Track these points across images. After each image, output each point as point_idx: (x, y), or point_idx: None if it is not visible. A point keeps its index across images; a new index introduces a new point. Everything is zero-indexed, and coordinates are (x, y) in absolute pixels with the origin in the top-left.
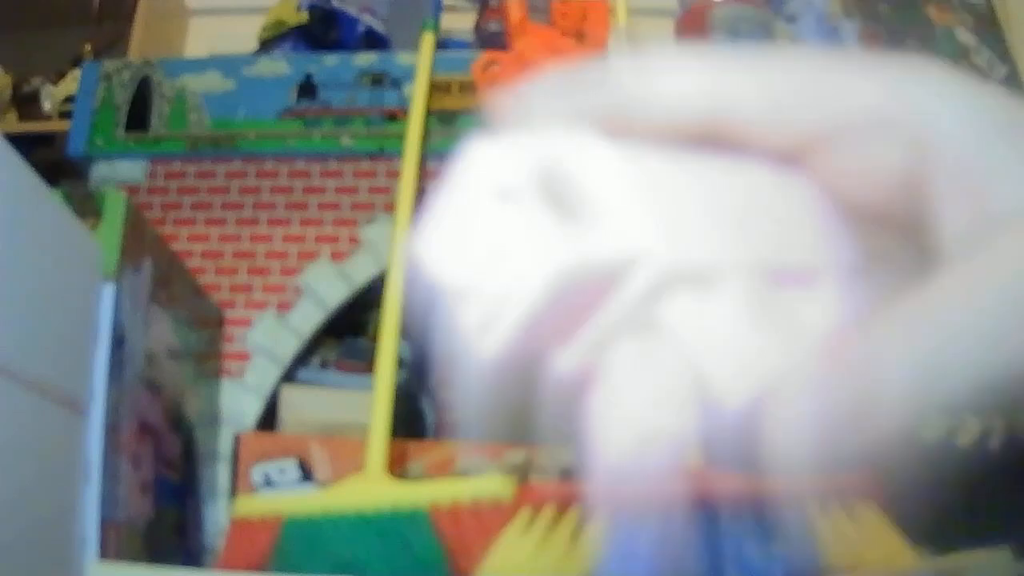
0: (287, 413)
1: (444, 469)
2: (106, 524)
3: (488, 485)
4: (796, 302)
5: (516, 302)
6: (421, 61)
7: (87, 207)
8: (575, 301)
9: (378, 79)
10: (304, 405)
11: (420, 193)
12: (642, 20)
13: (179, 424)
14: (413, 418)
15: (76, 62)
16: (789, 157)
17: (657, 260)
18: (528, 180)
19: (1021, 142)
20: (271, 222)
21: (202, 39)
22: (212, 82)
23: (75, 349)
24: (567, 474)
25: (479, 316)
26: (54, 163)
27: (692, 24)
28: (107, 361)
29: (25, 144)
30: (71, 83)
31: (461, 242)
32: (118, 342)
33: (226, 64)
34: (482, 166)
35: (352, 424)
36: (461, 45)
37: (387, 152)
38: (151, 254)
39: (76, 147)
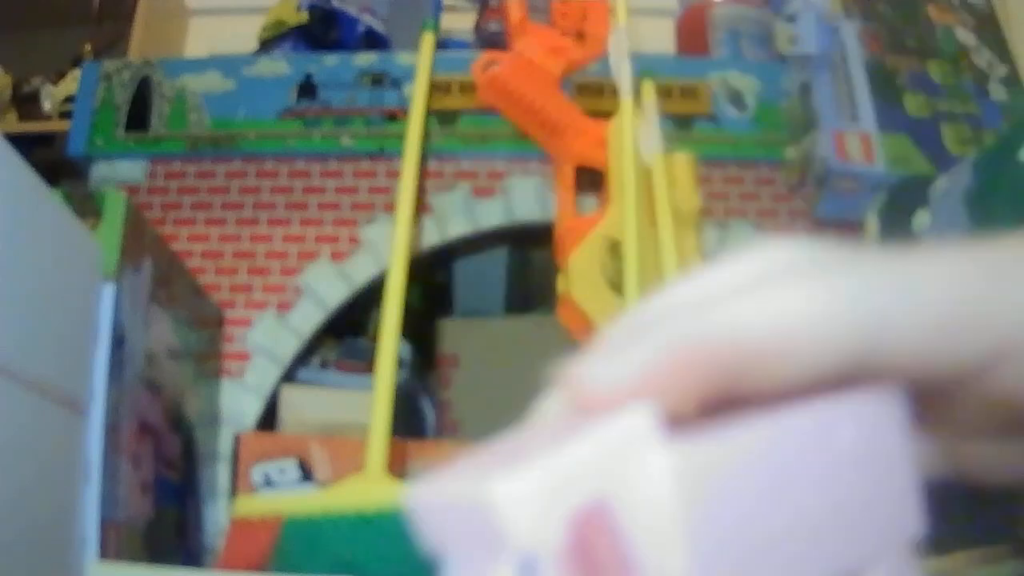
0: (287, 413)
1: None
2: (106, 524)
3: None
4: None
5: None
6: (421, 61)
7: (87, 207)
8: None
9: (378, 79)
10: (304, 405)
11: (420, 193)
12: (642, 20)
13: (179, 424)
14: (413, 418)
15: (76, 62)
16: (942, 387)
17: None
18: (559, 542)
19: None
20: (271, 222)
21: (202, 39)
22: (212, 82)
23: (75, 349)
24: None
25: None
26: (54, 163)
27: (692, 24)
28: (107, 361)
29: (25, 144)
30: (71, 83)
31: None
32: (118, 342)
33: (226, 64)
34: (497, 517)
35: (352, 424)
36: (461, 45)
37: (387, 152)
38: (151, 254)
39: (76, 147)
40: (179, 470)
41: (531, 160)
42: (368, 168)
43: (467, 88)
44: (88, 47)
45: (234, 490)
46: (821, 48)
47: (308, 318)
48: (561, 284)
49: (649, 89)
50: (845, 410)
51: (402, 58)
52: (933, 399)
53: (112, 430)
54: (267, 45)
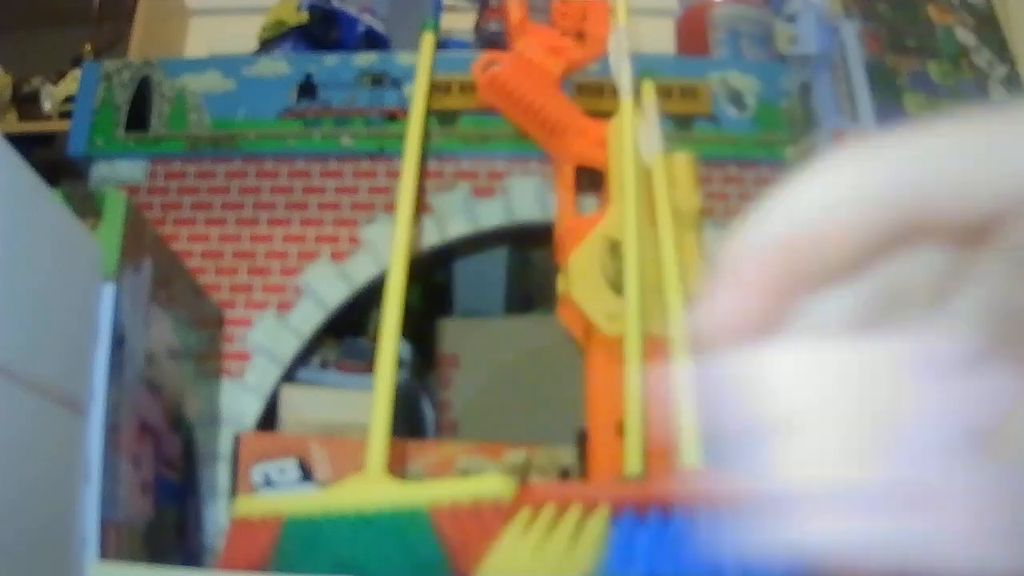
0: (287, 413)
1: (444, 469)
2: (106, 524)
3: (488, 485)
4: None
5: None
6: (421, 61)
7: (87, 207)
8: None
9: (378, 79)
10: (304, 405)
11: (420, 193)
12: (642, 20)
13: (179, 424)
14: (413, 418)
15: (76, 62)
16: (980, 232)
17: None
18: None
19: None
20: (271, 222)
21: (202, 39)
22: (212, 82)
23: (75, 349)
24: (567, 474)
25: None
26: (54, 163)
27: (692, 24)
28: (107, 361)
29: (25, 144)
30: (71, 83)
31: None
32: (118, 342)
33: (226, 64)
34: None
35: (352, 424)
36: (461, 45)
37: (387, 152)
38: (151, 254)
39: (76, 147)
40: (179, 470)
41: (531, 160)
42: (368, 168)
43: (467, 88)
44: (88, 47)
45: (234, 490)
46: (821, 48)
47: (308, 318)
48: (561, 284)
49: (649, 89)
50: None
51: (402, 58)
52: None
53: (112, 430)
54: (267, 45)
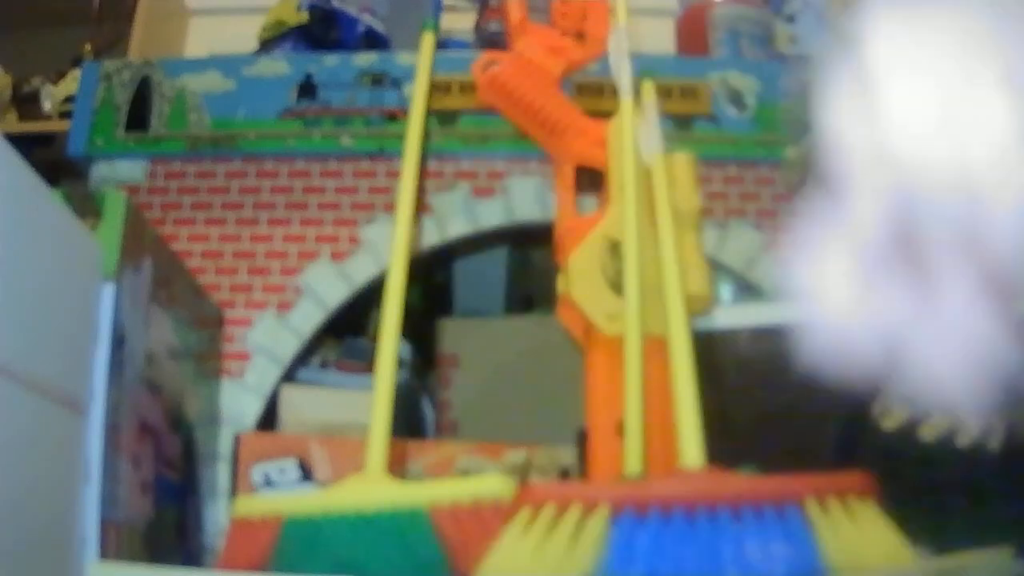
0: (287, 413)
1: (444, 469)
2: (106, 524)
3: (488, 485)
4: None
5: None
6: (421, 61)
7: (87, 207)
8: None
9: (378, 79)
10: (304, 405)
11: (420, 193)
12: (642, 20)
13: (179, 424)
14: (413, 418)
15: (76, 62)
16: None
17: None
18: None
19: None
20: (271, 222)
21: (202, 39)
22: (212, 82)
23: (75, 349)
24: (567, 474)
25: None
26: (54, 163)
27: (692, 24)
28: (107, 361)
29: (25, 144)
30: (71, 83)
31: None
32: (118, 342)
33: (226, 64)
34: None
35: (352, 424)
36: (461, 45)
37: (387, 152)
38: (151, 254)
39: (76, 147)
40: (179, 470)
41: (531, 160)
42: (368, 168)
43: (467, 88)
44: (88, 47)
45: (234, 490)
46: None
47: (308, 318)
48: (561, 284)
49: (649, 89)
50: None
51: (402, 58)
52: None
53: (112, 430)
54: (267, 45)
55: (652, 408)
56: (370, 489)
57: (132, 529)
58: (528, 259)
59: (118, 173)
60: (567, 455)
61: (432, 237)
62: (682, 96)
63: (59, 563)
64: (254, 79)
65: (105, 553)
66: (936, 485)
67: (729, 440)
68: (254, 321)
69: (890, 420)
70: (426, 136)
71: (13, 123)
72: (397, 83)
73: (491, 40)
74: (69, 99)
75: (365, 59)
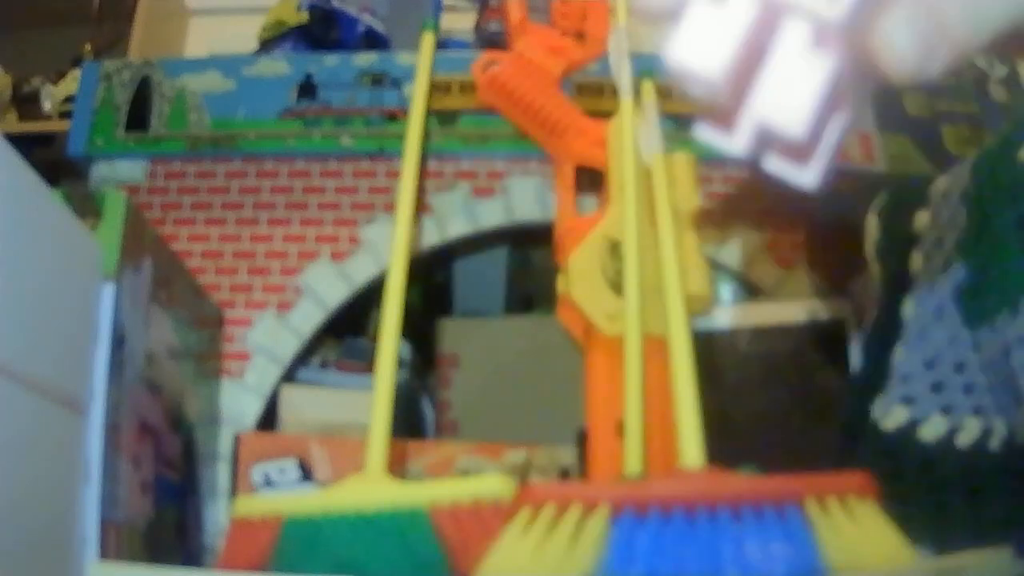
0: (287, 413)
1: (444, 469)
2: (106, 524)
3: (488, 485)
4: None
5: None
6: (421, 61)
7: (87, 207)
8: None
9: (378, 79)
10: (304, 405)
11: (420, 193)
12: (642, 20)
13: (179, 424)
14: (413, 418)
15: (76, 62)
16: None
17: None
18: None
19: None
20: (271, 222)
21: (202, 39)
22: (212, 82)
23: (75, 349)
24: (567, 474)
25: None
26: (54, 163)
27: None
28: (107, 361)
29: (25, 144)
30: (71, 83)
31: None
32: (118, 342)
33: (226, 64)
34: None
35: (352, 424)
36: (461, 45)
37: (387, 152)
38: (151, 254)
39: (76, 147)
40: (179, 470)
41: (531, 160)
42: (368, 168)
43: (467, 88)
44: (88, 47)
45: (234, 490)
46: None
47: (308, 318)
48: (561, 284)
49: (649, 89)
50: None
51: (402, 58)
52: None
53: (112, 430)
54: (267, 45)
55: (652, 408)
56: (370, 489)
57: (132, 529)
58: (528, 259)
59: (118, 173)
60: (567, 455)
61: (432, 237)
62: (682, 96)
63: (59, 563)
64: (254, 79)
65: (105, 553)
66: (936, 485)
67: (729, 440)
68: (254, 321)
69: (890, 420)
70: (426, 136)
71: (13, 123)
72: (397, 83)
73: (491, 40)
74: (69, 99)
75: (365, 59)
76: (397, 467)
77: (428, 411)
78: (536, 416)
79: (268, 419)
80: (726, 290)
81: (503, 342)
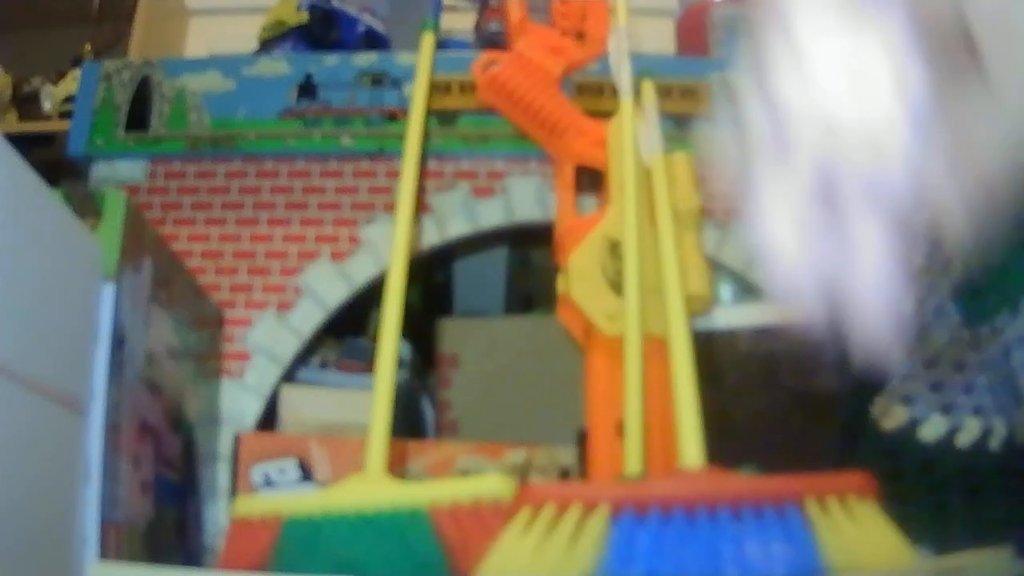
0: (287, 413)
1: (444, 469)
2: (106, 524)
3: (488, 485)
4: None
5: None
6: (421, 61)
7: (87, 207)
8: None
9: (378, 79)
10: (304, 405)
11: (420, 193)
12: (642, 20)
13: (179, 424)
14: (413, 418)
15: (76, 62)
16: None
17: None
18: None
19: None
20: (271, 222)
21: (202, 39)
22: (212, 82)
23: (75, 349)
24: (567, 474)
25: None
26: (54, 163)
27: (692, 24)
28: (107, 361)
29: (25, 144)
30: (71, 83)
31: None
32: (118, 342)
33: (226, 64)
34: None
35: (352, 424)
36: (461, 45)
37: (387, 152)
38: (151, 254)
39: (76, 147)
40: (179, 470)
41: (531, 160)
42: (368, 168)
43: (467, 88)
44: (88, 47)
45: (234, 490)
46: None
47: (308, 318)
48: (561, 284)
49: (649, 89)
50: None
51: (402, 58)
52: None
53: (112, 430)
54: (267, 45)
55: (652, 408)
56: (370, 489)
57: (132, 529)
58: (528, 259)
59: (118, 173)
60: (567, 455)
61: (432, 237)
62: (682, 96)
63: (59, 563)
64: (254, 79)
65: (105, 553)
66: (936, 485)
67: (729, 440)
68: (254, 321)
69: (890, 420)
70: (426, 136)
71: (13, 123)
72: (397, 83)
73: (491, 40)
74: (69, 99)
75: (365, 59)
76: (397, 467)
77: (428, 411)
78: (536, 416)
79: (268, 419)
80: (726, 290)
81: (503, 342)
